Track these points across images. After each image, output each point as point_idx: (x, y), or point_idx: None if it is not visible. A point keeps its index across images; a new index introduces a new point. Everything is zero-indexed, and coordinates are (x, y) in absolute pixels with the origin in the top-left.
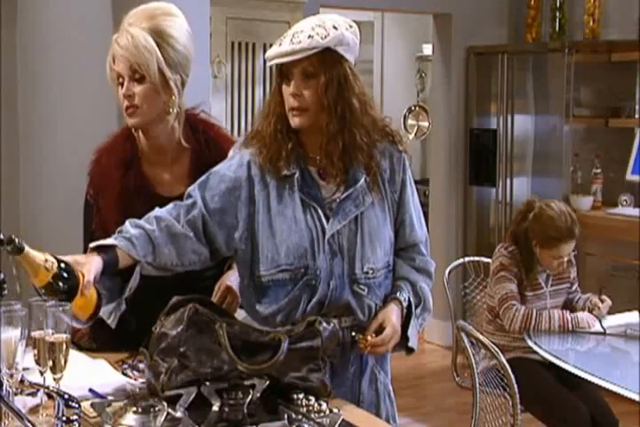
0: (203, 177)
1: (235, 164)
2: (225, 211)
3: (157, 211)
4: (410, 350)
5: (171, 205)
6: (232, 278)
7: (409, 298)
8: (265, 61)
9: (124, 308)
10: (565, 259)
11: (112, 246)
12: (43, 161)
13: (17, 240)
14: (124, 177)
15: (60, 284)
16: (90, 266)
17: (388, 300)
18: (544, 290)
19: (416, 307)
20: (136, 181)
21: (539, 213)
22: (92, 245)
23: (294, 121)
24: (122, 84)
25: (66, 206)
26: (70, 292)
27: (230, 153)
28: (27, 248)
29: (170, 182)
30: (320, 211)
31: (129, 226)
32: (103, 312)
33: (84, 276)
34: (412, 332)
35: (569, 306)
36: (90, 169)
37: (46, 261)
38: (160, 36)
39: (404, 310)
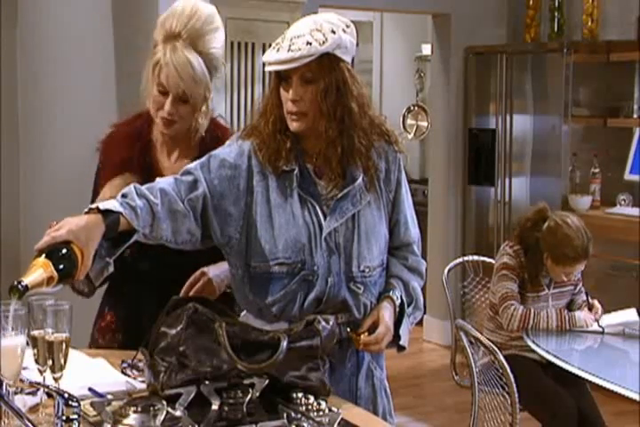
0: (202, 159)
1: (234, 151)
2: (224, 197)
3: (161, 182)
4: (401, 348)
5: (171, 179)
6: (211, 268)
7: (401, 297)
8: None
9: (112, 270)
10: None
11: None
12: (43, 160)
13: (19, 285)
14: (129, 147)
15: (62, 284)
16: (91, 247)
17: (381, 298)
18: (546, 292)
19: (408, 306)
20: (140, 153)
21: (554, 228)
22: (101, 206)
23: (293, 125)
24: (162, 93)
25: (66, 203)
26: (69, 276)
27: (227, 142)
28: (29, 284)
29: (172, 166)
30: (317, 208)
31: (134, 193)
32: (90, 271)
33: (82, 254)
34: (403, 330)
35: (570, 306)
36: (103, 138)
37: (47, 279)
38: (211, 62)
39: (397, 309)
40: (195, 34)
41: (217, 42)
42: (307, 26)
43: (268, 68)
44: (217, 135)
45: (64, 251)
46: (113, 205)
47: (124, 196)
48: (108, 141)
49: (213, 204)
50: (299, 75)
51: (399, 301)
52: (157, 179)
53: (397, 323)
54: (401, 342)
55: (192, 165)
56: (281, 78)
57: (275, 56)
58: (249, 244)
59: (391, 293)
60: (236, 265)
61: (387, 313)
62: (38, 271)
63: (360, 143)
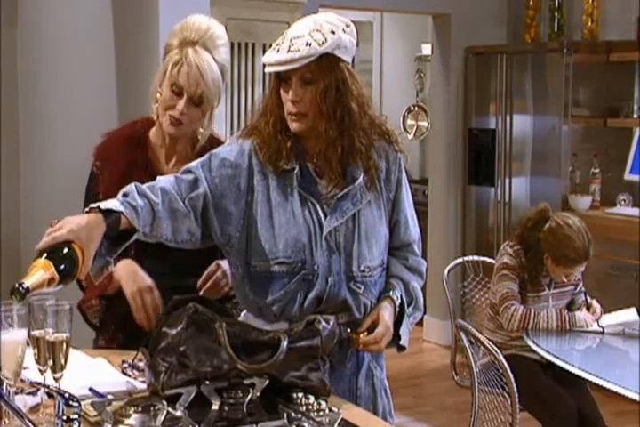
0: (203, 157)
1: (235, 150)
2: (224, 196)
3: (161, 181)
4: (401, 349)
5: (172, 178)
6: (224, 262)
7: (401, 297)
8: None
9: (112, 268)
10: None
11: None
12: (43, 160)
13: (20, 287)
14: (131, 151)
15: (63, 284)
16: (91, 247)
17: (381, 298)
18: (546, 292)
19: (408, 306)
20: (142, 158)
21: (556, 228)
22: (102, 206)
23: (293, 126)
24: (175, 93)
25: (66, 203)
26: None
27: (228, 141)
28: (30, 285)
29: (170, 171)
30: (318, 207)
31: (135, 192)
32: (90, 270)
33: (82, 252)
34: (403, 330)
35: (570, 306)
36: (98, 145)
37: (47, 280)
38: (222, 72)
39: (397, 309)
40: (211, 44)
41: (226, 55)
42: (306, 26)
43: (267, 69)
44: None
45: (65, 251)
46: (114, 204)
47: (124, 195)
48: (107, 146)
49: (214, 203)
50: (298, 75)
51: (399, 301)
52: (158, 177)
53: (397, 323)
54: (401, 342)
55: (193, 164)
56: (281, 79)
57: (274, 57)
58: (249, 243)
59: (391, 293)
60: (236, 264)
61: (386, 313)
62: (39, 273)
63: (360, 143)
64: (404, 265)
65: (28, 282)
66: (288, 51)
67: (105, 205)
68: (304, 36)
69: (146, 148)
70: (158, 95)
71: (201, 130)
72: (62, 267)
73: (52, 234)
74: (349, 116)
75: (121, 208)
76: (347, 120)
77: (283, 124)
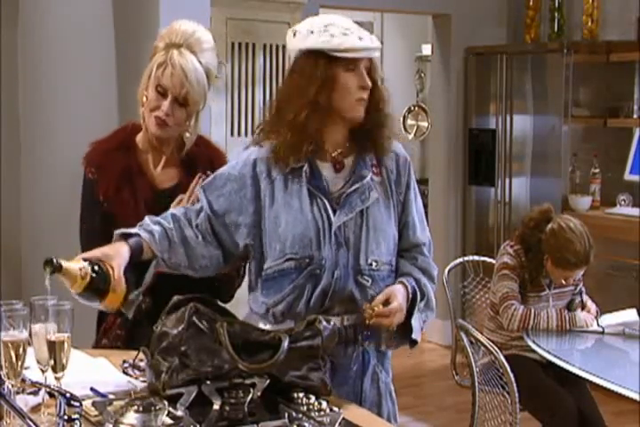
0: (209, 178)
1: (240, 162)
2: (231, 211)
3: (172, 210)
4: (413, 343)
5: (182, 209)
6: None
7: (414, 287)
8: (264, 62)
9: (142, 298)
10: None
11: (137, 235)
12: (43, 160)
13: (54, 260)
14: (124, 159)
15: (95, 287)
16: (119, 260)
17: (395, 283)
18: (546, 292)
19: (420, 300)
20: (134, 162)
21: (557, 231)
22: (117, 231)
23: (360, 111)
24: (160, 94)
25: (66, 203)
26: (104, 290)
27: (244, 147)
28: (64, 264)
29: (160, 175)
30: (327, 203)
31: (149, 221)
32: (122, 305)
33: (113, 269)
34: (415, 323)
35: (569, 306)
36: (87, 153)
37: (80, 269)
38: (208, 75)
39: (410, 296)
40: (196, 46)
41: (213, 60)
42: (353, 23)
43: (348, 55)
44: (208, 155)
45: (96, 265)
46: (132, 230)
47: (140, 225)
48: (97, 154)
49: (222, 222)
50: (364, 64)
51: (412, 290)
52: (171, 208)
53: (408, 315)
54: (413, 336)
55: (198, 187)
56: (339, 67)
57: (359, 43)
58: (262, 248)
59: (404, 279)
60: (250, 270)
61: (400, 294)
62: (76, 264)
63: (385, 137)
64: (414, 265)
65: (64, 263)
66: (363, 39)
67: (122, 230)
68: (359, 30)
69: (135, 152)
70: (144, 98)
71: (187, 134)
72: (95, 270)
73: (83, 255)
74: (384, 109)
75: (138, 232)
76: (383, 112)
77: (321, 119)
